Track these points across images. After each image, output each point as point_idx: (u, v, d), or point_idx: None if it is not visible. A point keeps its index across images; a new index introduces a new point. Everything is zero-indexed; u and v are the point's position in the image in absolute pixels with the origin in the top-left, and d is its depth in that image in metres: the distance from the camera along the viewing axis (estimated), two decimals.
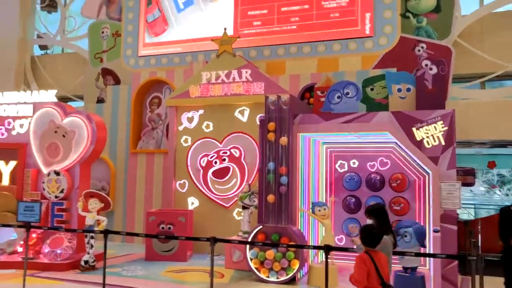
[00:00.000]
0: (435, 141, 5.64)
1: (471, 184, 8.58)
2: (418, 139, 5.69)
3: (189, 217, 7.49)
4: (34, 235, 6.94)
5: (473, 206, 9.50)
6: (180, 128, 8.50)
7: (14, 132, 7.80)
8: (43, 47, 12.16)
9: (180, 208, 8.13)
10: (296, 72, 8.57)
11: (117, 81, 10.18)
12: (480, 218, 8.00)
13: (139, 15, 10.14)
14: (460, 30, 8.07)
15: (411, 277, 5.50)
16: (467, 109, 7.83)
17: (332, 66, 8.38)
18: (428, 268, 6.18)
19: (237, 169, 8.02)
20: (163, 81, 9.35)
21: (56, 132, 7.35)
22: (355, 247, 3.84)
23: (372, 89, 6.75)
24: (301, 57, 8.70)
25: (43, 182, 7.17)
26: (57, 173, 7.14)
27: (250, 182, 7.69)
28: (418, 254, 4.98)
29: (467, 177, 8.38)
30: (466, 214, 9.34)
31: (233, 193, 7.94)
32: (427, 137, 5.64)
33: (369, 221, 4.61)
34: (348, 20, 8.46)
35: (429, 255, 5.16)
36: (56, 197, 7.09)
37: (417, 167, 6.54)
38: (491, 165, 8.72)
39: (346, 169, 7.27)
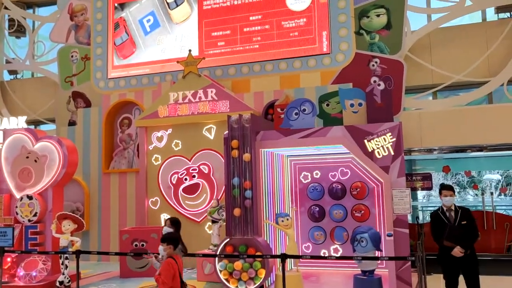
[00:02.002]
0: (385, 151, 6.09)
1: (429, 189, 9.10)
2: (369, 150, 6.13)
3: (161, 233, 7.74)
4: (8, 259, 7.11)
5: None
6: (150, 147, 8.80)
7: None
8: (12, 72, 12.29)
9: (153, 225, 8.39)
10: (260, 89, 8.98)
11: (87, 104, 10.40)
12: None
13: (108, 39, 10.42)
14: (410, 45, 8.62)
15: (369, 280, 5.88)
16: (420, 118, 8.35)
17: (294, 82, 8.82)
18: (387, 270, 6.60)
19: (206, 185, 8.35)
20: (132, 102, 9.63)
21: (27, 157, 7.54)
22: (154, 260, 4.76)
23: (327, 105, 7.20)
24: (264, 75, 9.12)
25: (16, 207, 7.34)
26: (29, 197, 7.33)
27: (219, 197, 8.02)
28: (365, 258, 5.41)
29: (424, 182, 8.91)
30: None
31: (203, 208, 8.26)
32: (378, 148, 6.09)
33: (170, 229, 6.45)
34: (306, 39, 8.93)
35: (373, 258, 5.61)
36: (29, 220, 7.27)
37: (374, 174, 6.99)
38: (446, 169, 9.26)
39: (309, 180, 7.67)
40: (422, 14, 9.00)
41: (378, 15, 8.52)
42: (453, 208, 5.39)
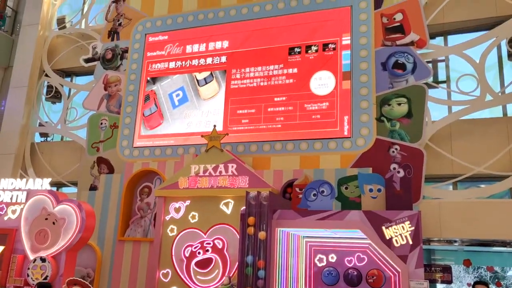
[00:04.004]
0: (403, 240, 6.00)
1: (449, 282, 8.75)
2: (387, 237, 6.05)
3: None
4: None
5: None
6: (167, 217, 8.84)
7: (6, 218, 8.11)
8: (43, 135, 12.81)
9: None
10: (280, 167, 9.10)
11: (111, 170, 10.65)
12: None
13: (137, 109, 10.90)
14: (431, 134, 8.73)
15: None
16: (440, 208, 8.25)
17: (313, 163, 8.93)
18: None
19: (219, 260, 8.23)
20: (154, 172, 9.83)
21: (46, 219, 7.68)
22: None
23: (346, 188, 7.22)
24: (285, 154, 9.28)
25: (28, 268, 7.36)
26: (43, 260, 7.36)
27: (231, 274, 7.87)
28: None
29: (444, 274, 8.59)
30: None
31: (214, 284, 8.08)
32: (396, 236, 6.01)
33: None
34: (328, 122, 9.17)
35: None
36: None
37: (392, 263, 6.82)
38: (467, 263, 8.95)
39: (325, 263, 7.50)
40: (443, 105, 9.19)
41: (399, 104, 8.76)
42: None
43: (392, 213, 6.11)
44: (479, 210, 8.12)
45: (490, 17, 9.28)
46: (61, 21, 13.43)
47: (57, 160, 12.19)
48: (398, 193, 6.34)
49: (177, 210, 8.83)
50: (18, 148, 12.36)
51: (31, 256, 7.50)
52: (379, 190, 6.60)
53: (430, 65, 9.04)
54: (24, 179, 8.65)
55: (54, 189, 11.67)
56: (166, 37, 11.20)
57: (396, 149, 8.47)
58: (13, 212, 8.15)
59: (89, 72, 12.33)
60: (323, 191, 6.64)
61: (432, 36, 9.53)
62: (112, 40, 11.83)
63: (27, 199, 8.09)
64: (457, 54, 9.19)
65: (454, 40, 9.60)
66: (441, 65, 9.63)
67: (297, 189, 7.11)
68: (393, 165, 8.04)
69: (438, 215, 8.14)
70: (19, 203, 8.14)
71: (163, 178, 9.61)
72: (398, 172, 6.45)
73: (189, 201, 8.78)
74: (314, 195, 6.66)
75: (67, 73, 13.32)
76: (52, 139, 12.90)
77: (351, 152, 8.77)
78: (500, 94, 8.85)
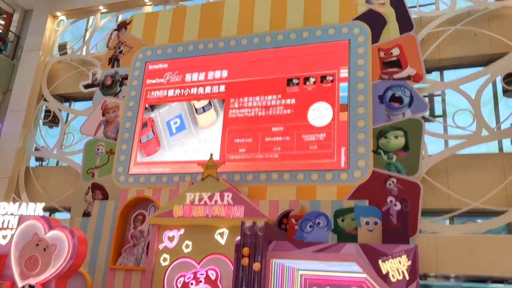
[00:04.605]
0: (400, 275, 5.92)
1: None
2: (384, 272, 5.96)
3: None
4: None
5: None
6: (161, 246, 8.69)
7: None
8: (39, 159, 12.75)
9: None
10: (276, 197, 9.04)
11: (105, 196, 10.55)
12: None
13: (134, 136, 10.89)
14: (428, 168, 8.74)
15: None
16: (437, 242, 8.17)
17: (310, 194, 8.88)
18: None
19: None
20: (149, 199, 9.74)
21: (37, 245, 7.54)
22: None
23: (343, 220, 7.16)
24: (281, 184, 9.24)
25: None
26: (31, 287, 7.18)
27: None
28: None
29: None
30: None
31: None
32: (392, 270, 5.92)
33: None
34: (325, 153, 9.18)
35: None
36: None
37: None
38: None
39: None
40: (440, 139, 9.24)
41: (396, 137, 8.80)
42: None
43: (389, 246, 6.04)
44: (476, 245, 8.06)
45: (485, 54, 9.47)
46: (62, 47, 13.59)
47: (51, 185, 12.09)
48: (395, 227, 6.30)
49: (171, 239, 8.70)
50: (12, 171, 12.28)
51: (20, 283, 7.33)
52: (375, 223, 6.55)
53: (426, 99, 9.14)
54: (17, 203, 8.55)
55: (47, 214, 11.55)
56: (166, 65, 11.32)
57: (392, 181, 8.46)
58: (4, 237, 8.02)
59: (88, 97, 12.40)
60: (319, 223, 6.59)
61: (429, 71, 9.71)
62: (113, 67, 11.94)
63: (18, 224, 7.97)
64: (453, 89, 9.31)
65: (450, 75, 9.76)
66: (437, 99, 9.75)
67: (293, 220, 7.06)
68: (389, 198, 8.01)
69: (435, 249, 8.06)
70: (10, 228, 8.02)
71: (157, 205, 9.52)
72: (395, 205, 6.42)
73: (183, 230, 8.66)
74: (310, 226, 6.60)
75: (66, 98, 13.39)
76: (48, 163, 12.83)
77: (347, 184, 8.74)
78: (495, 129, 8.92)
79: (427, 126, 8.94)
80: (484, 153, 8.99)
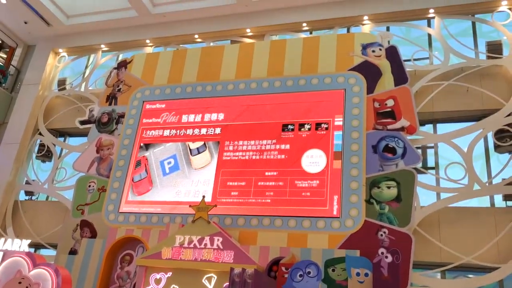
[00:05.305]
0: None
1: None
2: None
3: None
4: None
5: None
6: None
7: None
8: (29, 193, 12.60)
9: None
10: (267, 243, 8.91)
11: (93, 234, 10.38)
12: None
13: (127, 174, 10.84)
14: (419, 220, 8.72)
15: None
16: None
17: (301, 242, 8.77)
18: None
19: None
20: (138, 239, 9.58)
21: (20, 283, 7.31)
22: None
23: (333, 270, 7.06)
24: (272, 230, 9.15)
25: None
26: None
27: None
28: None
29: None
30: None
31: None
32: None
33: None
34: (318, 200, 9.16)
35: None
36: None
37: None
38: None
39: None
40: (432, 191, 9.27)
41: (389, 187, 8.82)
42: None
43: None
44: None
45: (477, 109, 9.66)
46: (61, 83, 13.76)
47: (39, 220, 11.90)
48: (386, 279, 6.22)
49: (158, 281, 8.51)
50: (1, 205, 12.11)
51: None
52: (366, 275, 6.47)
53: (419, 151, 9.23)
54: (2, 239, 8.37)
55: (33, 250, 11.30)
56: (163, 106, 11.44)
57: (384, 232, 8.40)
58: None
59: (83, 133, 12.42)
60: (309, 272, 6.49)
61: (422, 123, 9.87)
62: (110, 104, 12.04)
63: (2, 260, 7.76)
64: (445, 142, 9.44)
65: (443, 128, 9.91)
66: (430, 152, 9.85)
67: (283, 268, 6.95)
68: (381, 250, 7.92)
69: None
70: None
71: (146, 246, 9.35)
72: (386, 257, 6.36)
73: (170, 273, 8.48)
74: (300, 275, 6.50)
75: (61, 133, 13.41)
76: (37, 198, 12.68)
77: (339, 232, 8.68)
78: (487, 184, 8.98)
79: (420, 177, 8.99)
80: (476, 207, 9.00)
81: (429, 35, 10.90)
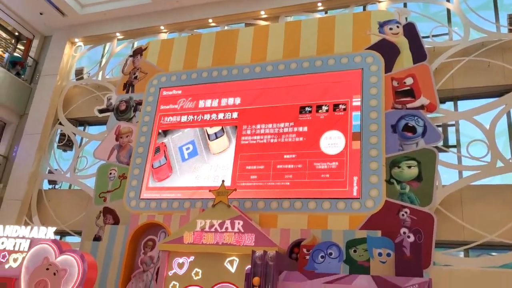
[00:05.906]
0: None
1: None
2: None
3: None
4: None
5: None
6: (170, 273, 8.62)
7: (7, 266, 7.97)
8: (52, 182, 12.84)
9: None
10: (287, 226, 8.94)
11: (116, 221, 10.56)
12: None
13: (146, 161, 10.96)
14: (441, 199, 8.62)
15: None
16: (451, 276, 7.98)
17: (322, 223, 8.77)
18: None
19: None
20: (160, 225, 9.72)
21: (47, 269, 7.54)
22: None
23: (355, 251, 7.05)
24: (292, 212, 9.16)
25: None
26: None
27: None
28: None
29: None
30: None
31: None
32: None
33: None
34: (337, 181, 9.12)
35: None
36: None
37: None
38: None
39: None
40: (454, 170, 9.13)
41: (409, 167, 8.72)
42: None
43: (402, 279, 5.92)
44: (491, 279, 7.86)
45: (499, 85, 9.42)
46: (79, 72, 13.88)
47: (63, 208, 12.14)
48: (408, 259, 6.19)
49: (181, 265, 8.64)
50: (25, 194, 12.38)
51: None
52: (388, 255, 6.44)
53: (440, 129, 9.07)
54: (29, 227, 8.58)
55: (58, 237, 11.57)
56: (180, 92, 11.46)
57: (406, 212, 8.34)
58: (15, 260, 8.02)
59: (102, 122, 12.55)
60: (331, 253, 6.50)
61: (442, 101, 9.67)
62: (127, 92, 12.12)
63: (29, 248, 7.98)
64: (467, 120, 9.25)
65: (464, 105, 9.70)
66: (451, 129, 9.66)
67: (305, 250, 6.97)
68: (403, 229, 7.86)
69: (449, 283, 7.87)
70: (21, 251, 8.03)
71: (168, 231, 9.49)
72: (408, 237, 6.32)
73: (193, 257, 8.60)
74: (322, 257, 6.51)
75: (80, 122, 13.57)
76: (60, 187, 12.92)
77: (360, 213, 8.64)
78: (511, 161, 8.80)
79: (441, 156, 8.86)
80: (499, 184, 8.84)
81: (448, 10, 10.61)
